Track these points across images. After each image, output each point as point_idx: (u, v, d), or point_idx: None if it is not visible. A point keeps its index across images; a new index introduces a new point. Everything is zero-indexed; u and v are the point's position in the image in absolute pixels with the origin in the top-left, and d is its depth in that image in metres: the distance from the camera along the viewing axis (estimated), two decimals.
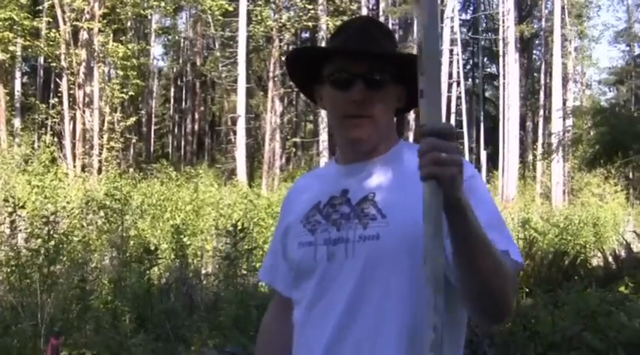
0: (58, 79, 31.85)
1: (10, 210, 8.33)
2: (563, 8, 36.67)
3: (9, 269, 7.92)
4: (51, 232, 8.14)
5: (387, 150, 2.15)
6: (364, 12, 35.44)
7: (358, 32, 2.16)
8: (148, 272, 7.63)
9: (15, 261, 7.92)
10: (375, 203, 2.05)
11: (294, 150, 39.16)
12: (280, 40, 34.32)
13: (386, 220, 2.00)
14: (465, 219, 1.72)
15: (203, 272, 9.36)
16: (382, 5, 38.70)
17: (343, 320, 1.99)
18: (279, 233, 2.30)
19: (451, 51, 35.71)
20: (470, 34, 46.91)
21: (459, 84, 36.37)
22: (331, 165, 2.29)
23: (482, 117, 43.35)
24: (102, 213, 10.83)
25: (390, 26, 46.96)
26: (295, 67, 2.30)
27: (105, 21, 29.87)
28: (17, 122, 33.34)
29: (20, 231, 8.58)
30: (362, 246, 2.00)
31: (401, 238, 1.95)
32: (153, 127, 46.64)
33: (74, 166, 27.68)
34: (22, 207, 8.74)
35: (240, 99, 32.37)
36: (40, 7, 31.38)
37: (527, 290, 8.75)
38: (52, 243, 7.91)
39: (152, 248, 8.09)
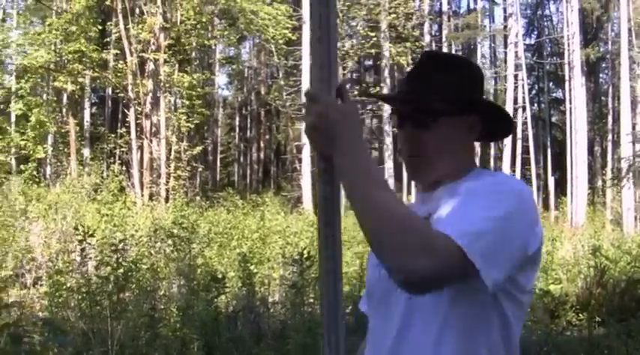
0: (125, 109, 32.34)
1: (79, 238, 8.44)
2: (630, 30, 36.06)
3: (80, 296, 8.02)
4: (120, 260, 8.24)
5: (454, 180, 2.14)
6: (427, 39, 35.39)
7: (410, 71, 2.26)
8: (215, 300, 7.65)
9: (85, 288, 8.02)
10: (431, 221, 2.02)
11: None
12: (343, 68, 34.39)
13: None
14: (342, 174, 1.81)
15: (270, 300, 9.35)
16: (445, 31, 38.56)
17: (394, 345, 2.07)
18: None
19: (516, 76, 35.39)
20: (534, 58, 46.48)
21: (524, 109, 36.00)
22: (418, 195, 2.36)
23: (549, 143, 42.83)
24: (170, 241, 10.92)
25: (453, 52, 46.92)
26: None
27: (170, 52, 30.31)
28: (87, 152, 33.93)
29: (90, 258, 8.69)
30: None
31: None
32: (219, 156, 47.09)
33: (142, 195, 28.05)
34: (92, 235, 8.84)
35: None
36: (108, 40, 31.97)
37: (599, 319, 8.54)
38: (121, 270, 8.00)
39: (219, 276, 8.12)
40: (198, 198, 28.57)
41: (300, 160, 33.07)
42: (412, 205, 2.33)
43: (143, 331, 7.23)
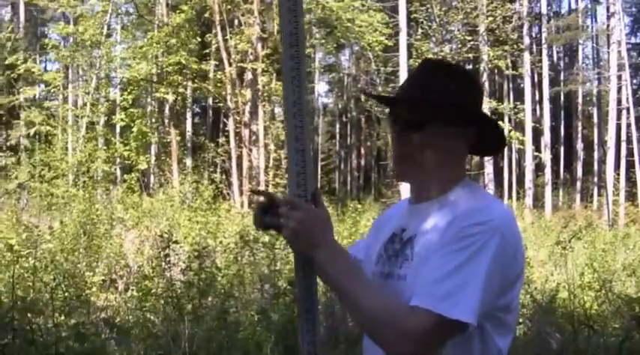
0: (225, 119, 32.95)
1: (164, 244, 8.72)
2: None
3: (163, 301, 8.28)
4: (203, 266, 8.47)
5: (443, 192, 2.22)
6: (526, 41, 34.81)
7: (410, 76, 2.32)
8: (293, 304, 7.75)
9: (170, 292, 8.28)
10: (412, 245, 2.19)
11: None
12: None
13: (412, 263, 2.15)
14: (322, 271, 2.07)
15: None
16: (544, 33, 37.89)
17: None
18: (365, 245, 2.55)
19: (619, 76, 34.46)
20: None
21: (628, 111, 35.02)
22: (406, 201, 2.41)
23: None
24: (255, 247, 11.10)
25: (554, 54, 46.06)
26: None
27: (268, 61, 30.72)
28: (189, 161, 34.65)
29: (174, 264, 8.94)
30: (397, 283, 2.17)
31: (413, 281, 2.09)
32: (320, 163, 47.39)
33: (241, 202, 28.52)
34: (176, 241, 9.12)
35: None
36: (208, 51, 32.62)
37: None
38: (203, 275, 8.21)
39: None
40: None
41: None
42: (398, 213, 2.41)
43: (220, 334, 7.40)
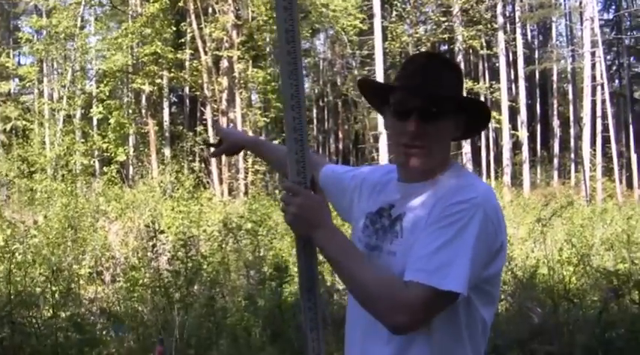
0: (202, 108, 32.96)
1: (151, 234, 8.79)
2: None
3: (150, 290, 8.36)
4: (189, 254, 8.53)
5: (436, 175, 2.34)
6: (500, 20, 34.96)
7: (420, 68, 2.37)
8: (279, 289, 7.86)
9: (158, 282, 8.34)
10: (402, 222, 2.33)
11: None
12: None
13: (402, 240, 2.29)
14: (322, 250, 2.22)
15: (336, 288, 9.53)
16: (518, 13, 38.05)
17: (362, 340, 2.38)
18: (354, 185, 2.71)
19: (593, 53, 34.71)
20: (613, 34, 45.46)
21: (602, 87, 35.30)
22: (394, 175, 2.49)
23: (630, 119, 41.91)
24: (239, 235, 11.19)
25: (528, 32, 46.29)
26: (366, 92, 2.56)
27: (244, 48, 30.72)
28: (167, 151, 34.59)
29: (160, 254, 9.02)
30: (387, 258, 2.31)
31: (405, 258, 2.21)
32: None
33: (222, 191, 28.57)
34: (162, 231, 9.20)
35: (381, 116, 32.44)
36: (183, 40, 32.55)
37: None
38: (190, 264, 8.28)
39: (284, 266, 8.33)
40: (277, 191, 28.89)
41: (377, 150, 33.13)
42: (388, 185, 2.51)
43: (208, 321, 7.49)
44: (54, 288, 7.60)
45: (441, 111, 2.29)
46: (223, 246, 11.08)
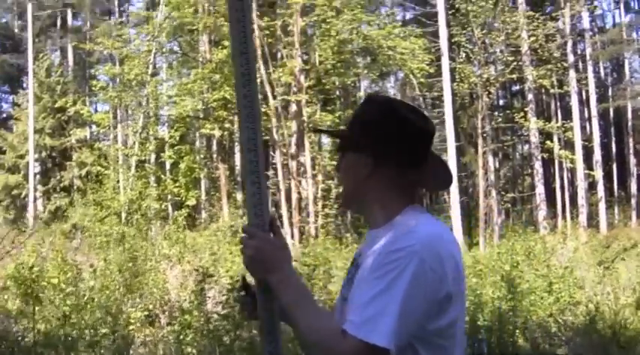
0: (272, 152, 33.22)
1: (199, 278, 8.89)
2: None
3: (200, 334, 8.43)
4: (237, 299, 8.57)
5: (388, 220, 2.33)
6: (570, 58, 34.52)
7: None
8: None
9: (207, 325, 8.42)
10: (358, 270, 2.32)
11: (509, 205, 38.19)
12: (489, 93, 33.82)
13: (353, 286, 2.28)
14: (276, 294, 2.21)
15: None
16: (589, 50, 37.52)
17: None
18: None
19: None
20: None
21: None
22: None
23: None
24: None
25: (601, 69, 45.53)
26: None
27: (312, 92, 30.93)
28: (239, 195, 34.88)
29: (210, 298, 9.10)
30: (345, 306, 2.27)
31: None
32: None
33: (292, 234, 28.64)
34: (211, 275, 9.30)
35: (451, 157, 32.20)
36: None
37: None
38: (238, 308, 8.32)
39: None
40: (348, 235, 28.86)
41: (448, 192, 32.81)
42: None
43: None
44: (103, 331, 7.72)
45: (345, 145, 2.42)
46: None
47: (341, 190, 2.44)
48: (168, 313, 10.90)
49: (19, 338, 6.87)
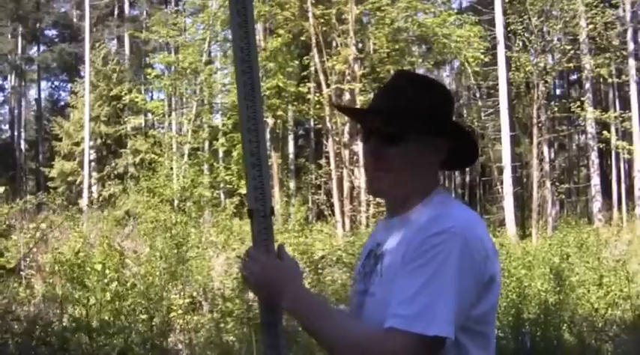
0: (325, 140, 33.14)
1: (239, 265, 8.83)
2: None
3: (239, 322, 8.38)
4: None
5: (413, 206, 2.18)
6: (630, 47, 33.75)
7: (383, 88, 2.29)
8: None
9: (247, 313, 8.36)
10: (382, 261, 2.17)
11: (563, 196, 37.56)
12: (545, 82, 33.24)
13: (382, 279, 2.13)
14: (294, 317, 2.13)
15: None
16: None
17: None
18: None
19: None
20: None
21: None
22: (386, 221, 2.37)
23: None
24: (338, 267, 11.15)
25: None
26: (351, 118, 2.50)
27: (366, 80, 30.75)
28: (292, 184, 34.94)
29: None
30: (370, 301, 2.15)
31: (384, 298, 2.05)
32: None
33: (343, 223, 28.56)
34: None
35: (505, 148, 31.85)
36: (306, 73, 32.86)
37: None
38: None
39: None
40: None
41: (502, 182, 32.45)
42: (377, 229, 2.40)
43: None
44: (142, 317, 7.72)
45: (406, 132, 2.13)
46: (321, 278, 11.04)
47: (382, 177, 2.20)
48: (211, 300, 10.89)
49: (55, 323, 6.89)
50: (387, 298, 2.02)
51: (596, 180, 33.21)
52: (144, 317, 7.85)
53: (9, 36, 51.81)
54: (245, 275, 2.16)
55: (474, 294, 2.00)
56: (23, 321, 7.08)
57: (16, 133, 54.93)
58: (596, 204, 32.45)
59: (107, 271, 9.76)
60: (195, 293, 11.15)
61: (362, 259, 2.34)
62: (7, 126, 59.40)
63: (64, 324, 6.34)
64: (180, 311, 10.05)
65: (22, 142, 54.81)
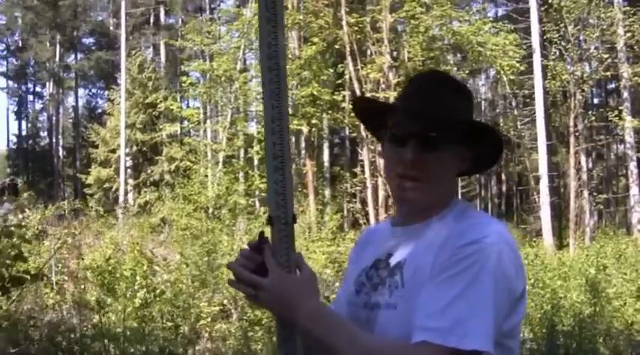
0: (359, 149, 33.03)
1: None
2: None
3: (266, 330, 8.30)
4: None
5: (435, 214, 2.08)
6: None
7: (423, 88, 2.14)
8: None
9: (274, 321, 8.28)
10: (402, 270, 2.04)
11: (601, 206, 37.05)
12: (582, 91, 32.89)
13: (404, 290, 2.00)
14: (308, 333, 1.94)
15: None
16: None
17: None
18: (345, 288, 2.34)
19: None
20: None
21: None
22: (388, 223, 2.27)
23: None
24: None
25: None
26: (362, 113, 2.32)
27: (400, 89, 30.58)
28: (327, 192, 34.87)
29: None
30: (386, 313, 2.03)
31: (409, 310, 1.92)
32: (460, 190, 46.84)
33: None
34: None
35: (542, 157, 31.59)
36: (341, 81, 32.78)
37: None
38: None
39: None
40: None
41: (538, 192, 32.17)
42: (378, 237, 2.27)
43: None
44: (168, 324, 7.65)
45: (445, 139, 2.02)
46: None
47: (416, 185, 2.05)
48: (241, 309, 10.81)
49: (79, 329, 6.84)
50: (413, 310, 1.90)
51: (635, 190, 32.70)
52: (170, 324, 7.77)
53: (47, 44, 52.48)
54: (251, 294, 2.02)
55: (507, 307, 1.91)
56: (44, 328, 7.03)
57: (54, 140, 55.60)
58: (636, 215, 31.94)
59: (137, 278, 9.73)
60: (225, 301, 11.07)
61: (361, 268, 2.21)
62: (45, 133, 60.16)
63: (85, 331, 6.27)
64: (209, 319, 9.98)
65: (60, 149, 55.45)
